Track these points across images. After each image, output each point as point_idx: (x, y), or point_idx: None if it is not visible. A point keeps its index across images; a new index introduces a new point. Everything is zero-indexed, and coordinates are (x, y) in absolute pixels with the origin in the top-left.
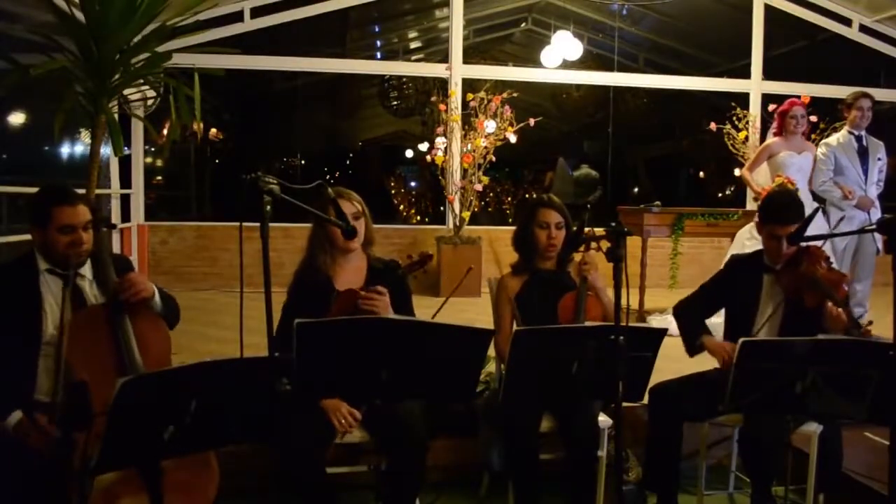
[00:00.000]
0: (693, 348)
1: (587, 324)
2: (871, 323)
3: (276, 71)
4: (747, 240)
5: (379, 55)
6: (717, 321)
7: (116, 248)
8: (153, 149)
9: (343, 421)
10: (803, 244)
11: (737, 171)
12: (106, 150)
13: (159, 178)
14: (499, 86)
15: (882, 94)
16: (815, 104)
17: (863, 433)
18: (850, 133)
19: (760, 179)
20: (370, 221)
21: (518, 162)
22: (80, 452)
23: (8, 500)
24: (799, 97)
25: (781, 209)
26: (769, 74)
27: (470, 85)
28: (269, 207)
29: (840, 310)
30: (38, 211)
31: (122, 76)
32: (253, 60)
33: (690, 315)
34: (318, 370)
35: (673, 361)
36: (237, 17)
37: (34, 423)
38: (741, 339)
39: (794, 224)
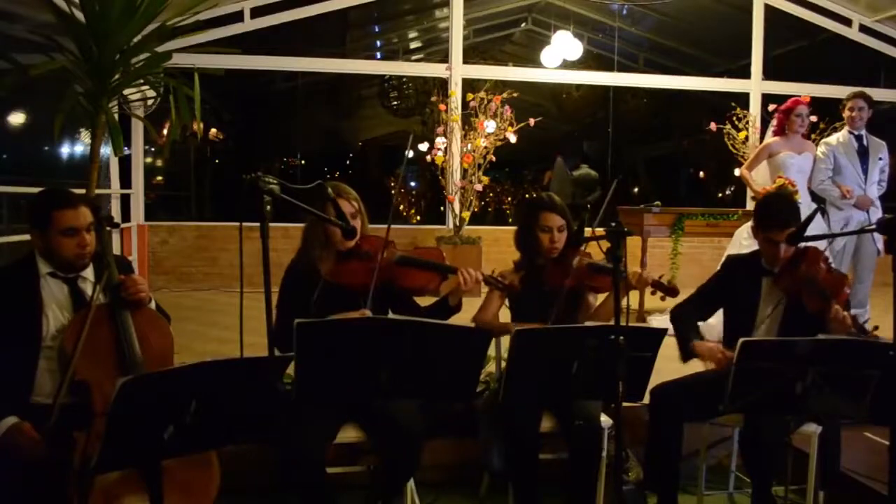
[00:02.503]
0: (686, 354)
1: (587, 324)
2: (876, 328)
3: (276, 71)
4: (745, 239)
5: (379, 55)
6: (712, 322)
7: (116, 249)
8: (153, 149)
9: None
10: (802, 245)
11: (737, 171)
12: (106, 150)
13: (159, 178)
14: (499, 86)
15: (882, 94)
16: (815, 104)
17: (863, 433)
18: (851, 133)
19: (759, 179)
20: (366, 220)
21: (518, 162)
22: (80, 452)
23: (7, 500)
24: (799, 97)
25: (776, 213)
26: (769, 74)
27: (470, 85)
28: (269, 207)
29: (845, 314)
30: (39, 214)
31: (122, 76)
32: (253, 60)
33: (685, 319)
34: (318, 370)
35: (673, 361)
36: (237, 17)
37: (24, 431)
38: (741, 339)
39: (791, 227)
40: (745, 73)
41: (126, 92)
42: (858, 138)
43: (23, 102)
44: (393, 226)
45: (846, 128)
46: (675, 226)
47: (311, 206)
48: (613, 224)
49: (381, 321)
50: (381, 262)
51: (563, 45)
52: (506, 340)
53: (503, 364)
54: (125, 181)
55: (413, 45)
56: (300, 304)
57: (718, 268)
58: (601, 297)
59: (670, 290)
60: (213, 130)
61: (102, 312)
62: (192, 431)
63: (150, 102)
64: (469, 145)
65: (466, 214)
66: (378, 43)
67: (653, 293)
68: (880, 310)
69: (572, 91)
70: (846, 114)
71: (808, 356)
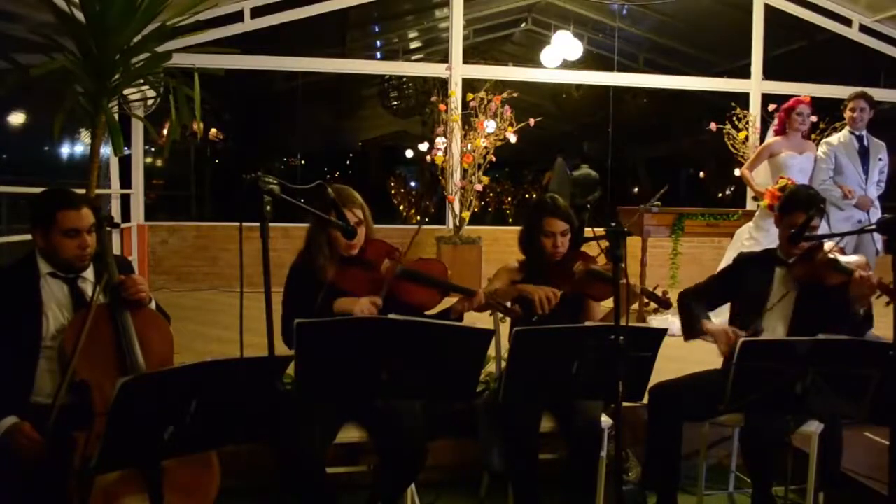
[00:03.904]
0: (693, 331)
1: (587, 324)
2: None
3: (276, 71)
4: (746, 239)
5: (379, 55)
6: (716, 321)
7: (116, 249)
8: (153, 149)
9: (365, 310)
10: (817, 241)
11: (737, 171)
12: (106, 150)
13: (159, 178)
14: (499, 86)
15: (882, 94)
16: (815, 104)
17: (863, 433)
18: (852, 133)
19: (760, 179)
20: (371, 226)
21: (518, 162)
22: (80, 452)
23: (7, 500)
24: (800, 97)
25: (799, 198)
26: (769, 74)
27: (470, 85)
28: (269, 207)
29: (868, 274)
30: (42, 214)
31: (122, 76)
32: (253, 60)
33: (693, 301)
34: (319, 370)
35: (673, 361)
36: (237, 17)
37: (24, 431)
38: (741, 340)
39: (812, 210)
40: (745, 73)
41: (126, 92)
42: (860, 138)
43: (23, 102)
44: (392, 226)
45: (847, 128)
46: (675, 226)
47: (312, 206)
48: (613, 224)
49: (381, 321)
50: (386, 276)
51: (563, 45)
52: (506, 340)
53: (503, 364)
54: (125, 181)
55: (413, 45)
56: (304, 306)
57: (730, 262)
58: (605, 305)
59: (663, 302)
60: (213, 130)
61: (102, 312)
62: (192, 431)
63: (150, 102)
64: (469, 145)
65: (466, 214)
66: (378, 43)
67: (646, 304)
68: (880, 310)
69: (572, 91)
70: (848, 114)
71: (807, 356)
